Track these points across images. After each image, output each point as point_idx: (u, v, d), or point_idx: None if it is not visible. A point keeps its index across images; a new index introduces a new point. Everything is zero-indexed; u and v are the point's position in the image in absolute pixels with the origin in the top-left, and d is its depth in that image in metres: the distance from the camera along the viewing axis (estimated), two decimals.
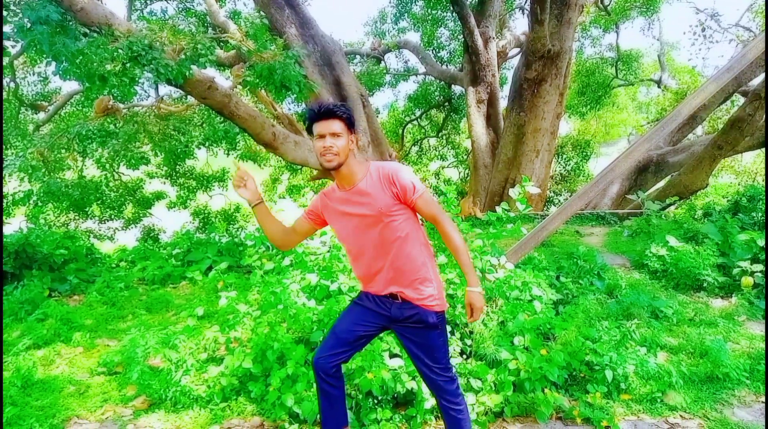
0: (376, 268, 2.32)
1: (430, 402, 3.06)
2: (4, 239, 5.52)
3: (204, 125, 11.76)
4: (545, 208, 13.40)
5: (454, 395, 2.39)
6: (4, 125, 10.95)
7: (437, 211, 2.28)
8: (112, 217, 12.91)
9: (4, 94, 11.78)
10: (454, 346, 3.47)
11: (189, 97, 10.65)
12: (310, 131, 2.27)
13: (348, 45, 16.33)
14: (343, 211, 2.31)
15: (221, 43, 10.04)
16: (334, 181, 2.39)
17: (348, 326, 2.42)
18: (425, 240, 2.37)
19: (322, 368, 2.39)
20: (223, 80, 11.38)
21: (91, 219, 12.78)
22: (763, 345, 3.91)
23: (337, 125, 2.19)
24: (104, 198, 12.14)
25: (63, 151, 10.10)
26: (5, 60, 10.27)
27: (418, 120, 18.82)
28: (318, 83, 8.92)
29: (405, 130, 18.85)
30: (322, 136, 2.19)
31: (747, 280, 4.84)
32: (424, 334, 2.33)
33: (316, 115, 2.20)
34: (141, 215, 13.44)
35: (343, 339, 2.40)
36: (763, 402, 3.33)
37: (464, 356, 3.50)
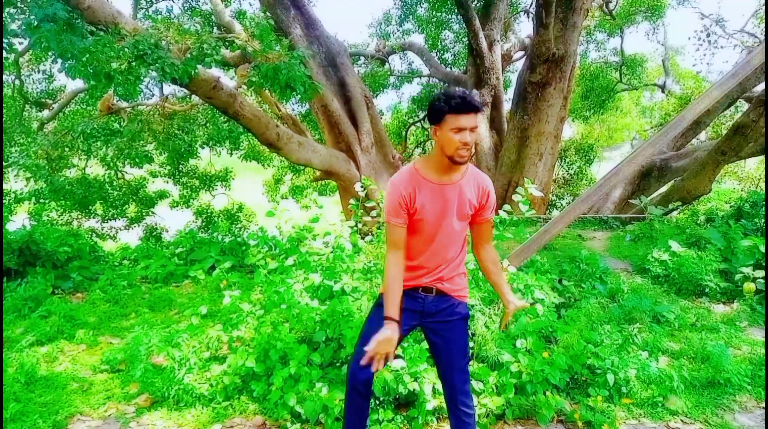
0: (439, 260, 2.29)
1: (431, 403, 3.07)
2: (9, 236, 5.55)
3: (208, 125, 11.81)
4: (548, 212, 13.40)
5: (469, 397, 2.36)
6: (9, 122, 10.99)
7: (490, 233, 2.46)
8: (115, 216, 12.92)
9: (10, 91, 11.84)
10: None
11: (193, 96, 10.69)
12: (437, 119, 2.11)
13: (352, 46, 16.34)
14: (438, 197, 2.22)
15: (227, 43, 10.08)
16: (412, 166, 2.26)
17: None
18: None
19: (362, 381, 2.26)
20: (228, 80, 11.44)
21: (94, 218, 12.79)
22: (764, 350, 3.92)
23: (476, 120, 2.09)
24: (107, 196, 12.17)
25: (67, 149, 10.17)
26: (11, 57, 10.31)
27: (422, 122, 18.83)
28: (322, 84, 8.94)
29: (408, 132, 18.86)
30: (462, 130, 2.06)
31: (749, 286, 4.84)
32: (454, 328, 2.32)
33: (463, 107, 2.05)
34: (144, 214, 13.47)
35: None
36: (764, 407, 3.34)
37: None
